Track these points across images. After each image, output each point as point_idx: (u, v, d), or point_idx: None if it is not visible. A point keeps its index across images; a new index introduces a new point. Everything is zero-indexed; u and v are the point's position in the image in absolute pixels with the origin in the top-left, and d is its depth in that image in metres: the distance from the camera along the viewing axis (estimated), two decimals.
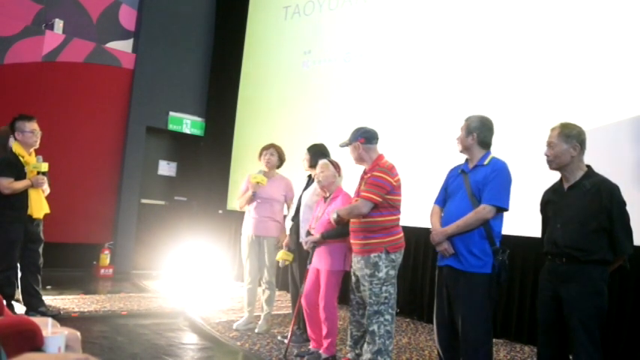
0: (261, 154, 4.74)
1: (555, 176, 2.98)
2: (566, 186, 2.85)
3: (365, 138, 3.52)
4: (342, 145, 3.63)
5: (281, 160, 4.74)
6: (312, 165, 4.21)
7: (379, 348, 3.33)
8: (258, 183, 4.49)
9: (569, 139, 2.79)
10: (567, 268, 2.73)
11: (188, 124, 8.03)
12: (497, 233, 3.04)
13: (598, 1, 4.49)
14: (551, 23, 4.73)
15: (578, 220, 2.72)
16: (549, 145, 2.84)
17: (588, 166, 2.84)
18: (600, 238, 2.69)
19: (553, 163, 2.83)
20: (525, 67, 4.83)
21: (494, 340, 3.24)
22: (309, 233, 3.86)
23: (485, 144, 3.14)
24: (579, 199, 2.76)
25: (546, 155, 2.86)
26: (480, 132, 3.11)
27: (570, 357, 2.80)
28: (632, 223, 2.75)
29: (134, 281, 6.78)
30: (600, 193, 2.71)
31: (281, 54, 7.31)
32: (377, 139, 3.58)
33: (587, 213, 2.71)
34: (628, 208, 2.75)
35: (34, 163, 4.42)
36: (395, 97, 5.83)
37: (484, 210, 2.96)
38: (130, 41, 7.62)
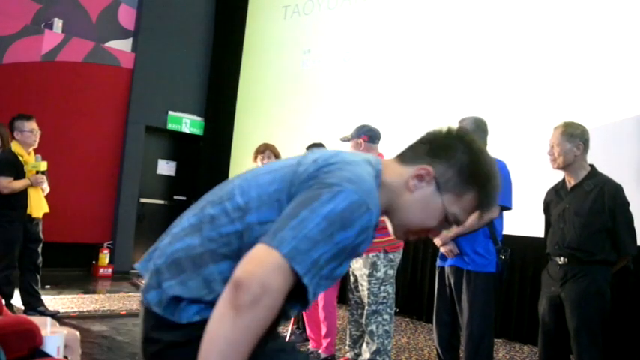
0: (256, 157, 4.71)
1: (556, 176, 2.98)
2: (569, 186, 2.84)
3: (368, 137, 3.53)
4: (343, 140, 3.63)
5: (277, 159, 4.74)
6: None
7: (378, 347, 3.33)
8: None
9: (572, 139, 2.78)
10: (570, 269, 2.73)
11: (187, 123, 8.02)
12: (499, 232, 3.06)
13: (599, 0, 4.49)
14: (553, 22, 4.73)
15: (581, 221, 2.71)
16: (552, 144, 2.83)
17: (591, 166, 2.83)
18: (603, 238, 2.69)
19: (556, 162, 2.82)
20: (527, 66, 4.83)
21: (494, 339, 3.25)
22: None
23: None
24: (582, 199, 2.75)
25: (549, 155, 2.85)
26: (475, 134, 3.12)
27: (571, 357, 2.80)
28: (636, 223, 2.74)
29: (133, 281, 6.78)
30: (603, 193, 2.70)
31: (280, 53, 7.31)
32: (379, 139, 3.59)
33: (590, 213, 2.70)
34: (631, 208, 2.74)
35: (33, 162, 4.41)
36: (394, 97, 5.83)
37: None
38: (130, 40, 7.61)
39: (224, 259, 1.08)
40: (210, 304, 1.02)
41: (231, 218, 1.10)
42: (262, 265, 0.95)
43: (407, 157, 1.23)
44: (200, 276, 1.08)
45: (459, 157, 1.17)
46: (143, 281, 1.21)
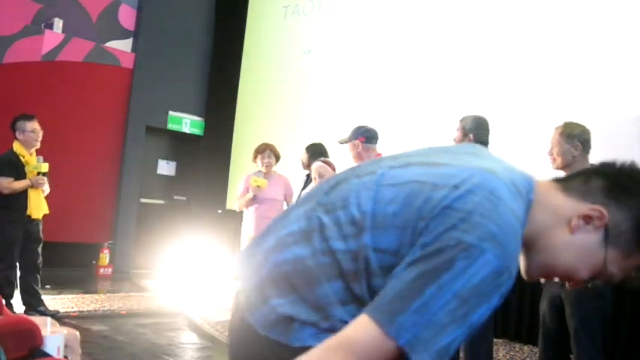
0: (256, 157, 4.72)
1: (559, 175, 2.98)
2: None
3: (365, 137, 3.52)
4: (341, 142, 3.63)
5: (277, 159, 4.75)
6: (311, 164, 4.21)
7: None
8: (258, 186, 4.47)
9: (570, 139, 2.79)
10: None
11: (187, 123, 8.03)
12: None
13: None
14: (554, 20, 4.72)
15: None
16: (552, 144, 2.85)
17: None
18: None
19: (555, 163, 2.84)
20: (528, 66, 4.83)
21: (493, 339, 3.25)
22: None
23: (483, 144, 3.14)
24: None
25: (549, 155, 2.87)
26: (477, 132, 3.12)
27: (572, 358, 2.80)
28: None
29: (133, 281, 6.78)
30: None
31: (280, 53, 7.31)
32: (377, 138, 3.59)
33: None
34: None
35: (35, 163, 4.41)
36: (395, 97, 5.83)
37: None
38: (130, 40, 7.62)
39: (338, 277, 0.91)
40: (327, 330, 0.88)
41: (343, 233, 0.92)
42: (371, 356, 0.80)
43: (575, 186, 0.99)
44: (314, 296, 0.91)
45: None
46: (239, 285, 1.05)
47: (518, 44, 4.92)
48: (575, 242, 0.94)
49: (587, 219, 0.93)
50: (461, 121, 3.20)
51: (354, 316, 0.85)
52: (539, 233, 0.95)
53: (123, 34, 7.57)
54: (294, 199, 4.50)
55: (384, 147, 3.74)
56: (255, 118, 7.51)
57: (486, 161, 0.97)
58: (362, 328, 0.81)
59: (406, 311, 0.79)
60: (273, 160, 4.68)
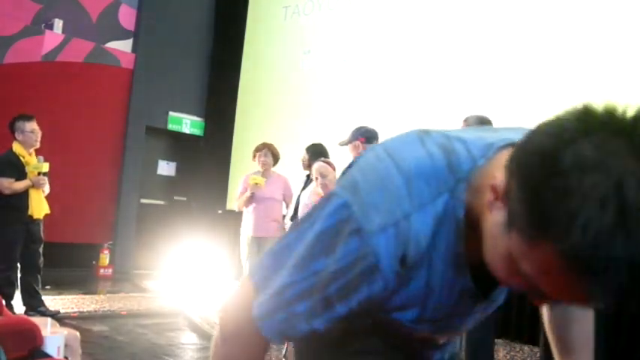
0: (255, 156, 4.73)
1: None
2: None
3: (365, 137, 3.53)
4: (341, 144, 3.64)
5: (276, 159, 4.74)
6: (311, 165, 4.22)
7: None
8: (256, 184, 4.48)
9: None
10: None
11: (188, 123, 8.02)
12: None
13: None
14: (557, 19, 4.73)
15: None
16: None
17: None
18: None
19: None
20: (531, 65, 4.83)
21: (494, 340, 3.25)
22: None
23: None
24: None
25: None
26: None
27: None
28: None
29: (134, 281, 6.78)
30: None
31: (280, 54, 7.31)
32: (377, 138, 3.59)
33: None
34: None
35: (35, 163, 4.41)
36: (395, 97, 5.83)
37: None
38: (130, 41, 7.61)
39: None
40: None
41: None
42: (237, 301, 0.83)
43: None
44: None
45: (534, 172, 0.57)
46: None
47: (519, 44, 4.92)
48: (488, 226, 0.67)
49: (494, 192, 0.64)
50: (464, 121, 3.20)
51: None
52: (481, 211, 0.69)
53: (123, 35, 7.57)
54: (293, 200, 4.50)
55: None
56: (255, 118, 7.51)
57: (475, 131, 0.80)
58: (244, 278, 0.86)
59: (268, 255, 0.81)
60: (269, 158, 4.67)
